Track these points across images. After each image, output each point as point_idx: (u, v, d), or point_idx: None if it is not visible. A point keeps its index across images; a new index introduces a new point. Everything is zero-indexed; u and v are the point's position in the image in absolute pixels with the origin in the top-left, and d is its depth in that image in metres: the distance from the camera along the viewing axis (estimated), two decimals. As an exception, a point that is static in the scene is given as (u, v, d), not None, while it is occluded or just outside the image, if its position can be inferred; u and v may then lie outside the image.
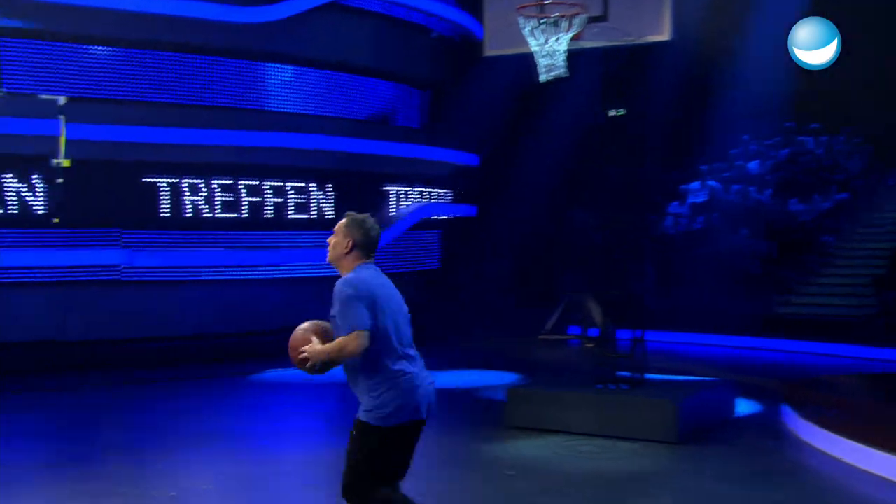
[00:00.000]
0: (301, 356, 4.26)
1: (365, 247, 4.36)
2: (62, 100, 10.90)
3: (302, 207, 13.84)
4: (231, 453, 7.65)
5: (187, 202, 12.89)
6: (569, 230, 17.33)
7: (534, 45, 8.76)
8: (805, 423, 7.96)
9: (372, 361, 4.21)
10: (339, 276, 4.34)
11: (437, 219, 16.52)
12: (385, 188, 15.22)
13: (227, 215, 13.17)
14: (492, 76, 14.57)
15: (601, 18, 8.82)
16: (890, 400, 9.26)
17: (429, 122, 16.84)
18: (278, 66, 14.05)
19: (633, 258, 16.09)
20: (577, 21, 8.60)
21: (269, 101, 14.00)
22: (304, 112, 14.23)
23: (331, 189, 14.12)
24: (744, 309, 14.38)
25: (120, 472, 6.97)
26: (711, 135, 17.44)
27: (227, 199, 13.17)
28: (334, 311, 4.25)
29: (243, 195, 13.27)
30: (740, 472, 7.03)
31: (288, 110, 14.11)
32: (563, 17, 8.57)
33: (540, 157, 17.00)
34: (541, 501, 6.35)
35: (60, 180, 11.32)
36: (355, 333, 4.12)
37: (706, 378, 9.86)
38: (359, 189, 14.35)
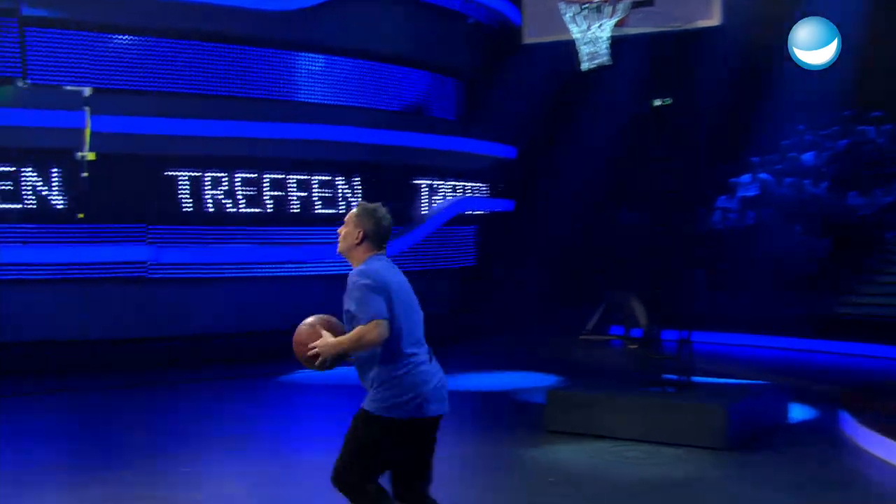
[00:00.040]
0: (311, 353, 4.32)
1: (376, 237, 4.42)
2: (88, 91, 11.06)
3: (329, 202, 13.94)
4: (260, 457, 7.74)
5: (212, 196, 13.03)
6: (611, 225, 17.27)
7: (575, 31, 8.74)
8: (864, 430, 7.88)
9: (382, 353, 4.27)
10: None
11: (472, 214, 16.55)
12: (416, 182, 15.27)
13: (252, 210, 13.29)
14: (531, 65, 14.56)
15: (647, 3, 8.76)
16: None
17: (465, 113, 16.85)
18: (307, 54, 14.12)
19: (679, 255, 15.99)
20: (621, 6, 8.56)
21: (298, 92, 14.06)
22: (332, 103, 14.30)
23: (358, 183, 14.19)
24: (797, 309, 14.25)
25: (145, 476, 7.09)
26: (763, 125, 17.27)
27: (251, 193, 13.28)
28: (348, 305, 4.31)
29: (266, 189, 13.38)
30: (794, 481, 6.98)
31: (316, 101, 14.18)
32: (606, 2, 8.53)
33: (581, 149, 16.95)
34: (582, 509, 6.38)
35: (85, 174, 11.50)
36: (374, 322, 4.18)
37: (757, 381, 9.80)
38: (388, 183, 14.42)
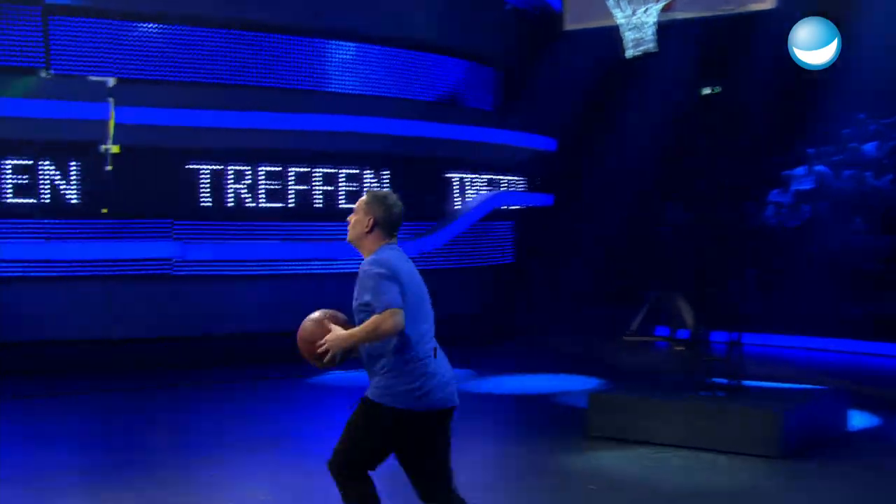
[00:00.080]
0: (321, 349, 4.33)
1: (387, 225, 4.46)
2: (112, 81, 11.17)
3: (355, 197, 13.97)
4: (289, 461, 7.80)
5: (242, 190, 13.12)
6: (656, 221, 17.14)
7: (619, 17, 8.69)
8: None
9: (391, 343, 4.28)
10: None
11: (509, 209, 16.51)
12: (448, 175, 15.23)
13: (274, 205, 13.33)
14: (572, 52, 14.47)
15: (696, -15, 8.70)
16: None
17: (502, 104, 16.80)
18: (336, 42, 14.12)
19: (729, 252, 15.84)
20: (668, -11, 8.50)
21: (326, 81, 14.06)
22: (361, 93, 14.28)
23: (388, 176, 14.20)
24: (856, 309, 14.07)
25: (171, 479, 7.17)
26: (820, 114, 17.05)
27: (275, 187, 13.33)
28: (362, 296, 4.32)
29: (291, 183, 13.42)
30: (853, 493, 6.89)
31: (345, 91, 14.16)
32: (652, -16, 8.48)
33: (624, 140, 16.85)
34: (626, 519, 6.36)
35: (110, 167, 11.64)
36: (390, 311, 4.20)
37: (814, 386, 9.68)
38: (420, 176, 14.40)
